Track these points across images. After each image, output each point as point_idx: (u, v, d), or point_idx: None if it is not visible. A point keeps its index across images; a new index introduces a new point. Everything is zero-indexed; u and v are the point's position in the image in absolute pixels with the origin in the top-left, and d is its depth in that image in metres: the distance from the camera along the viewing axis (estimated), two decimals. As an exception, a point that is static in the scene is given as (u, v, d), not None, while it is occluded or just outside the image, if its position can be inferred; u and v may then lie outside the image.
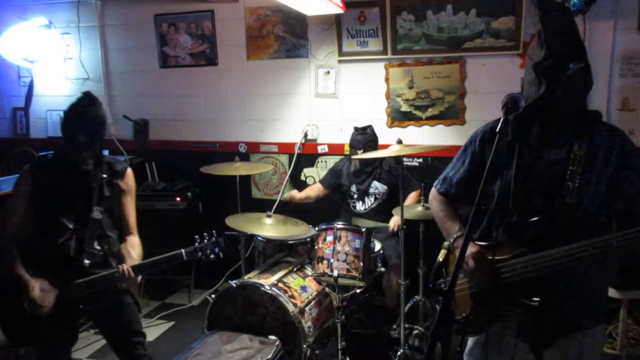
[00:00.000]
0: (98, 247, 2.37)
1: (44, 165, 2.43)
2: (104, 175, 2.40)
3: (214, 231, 2.44)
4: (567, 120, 1.47)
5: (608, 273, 1.73)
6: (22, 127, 5.18)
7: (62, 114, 2.43)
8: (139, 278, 2.36)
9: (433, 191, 2.01)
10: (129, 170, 2.54)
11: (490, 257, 1.66)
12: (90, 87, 4.89)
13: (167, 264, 2.37)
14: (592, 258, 1.50)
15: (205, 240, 2.40)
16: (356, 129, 3.74)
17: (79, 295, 2.29)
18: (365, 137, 3.66)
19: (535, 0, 1.60)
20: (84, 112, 2.33)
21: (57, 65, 4.94)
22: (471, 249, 1.71)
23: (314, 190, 3.94)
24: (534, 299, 1.57)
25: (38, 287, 2.21)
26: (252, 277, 3.08)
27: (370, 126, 3.74)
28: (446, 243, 1.93)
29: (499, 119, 1.74)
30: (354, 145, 3.68)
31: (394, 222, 3.49)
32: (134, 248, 2.44)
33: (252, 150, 4.56)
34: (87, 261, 2.31)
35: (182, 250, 2.35)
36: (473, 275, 1.70)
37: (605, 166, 1.60)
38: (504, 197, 1.69)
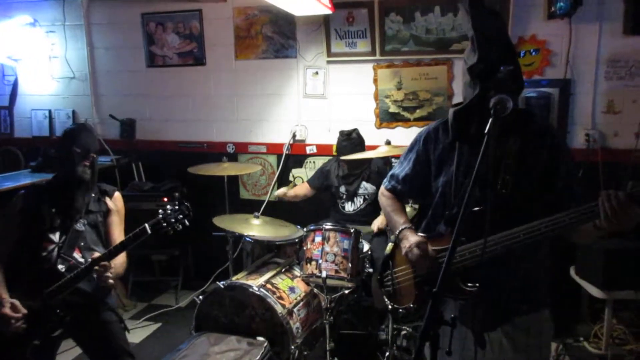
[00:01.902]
0: (81, 260, 2.39)
1: (36, 193, 2.49)
2: (93, 194, 2.49)
3: (177, 196, 2.40)
4: (502, 118, 1.52)
5: (545, 258, 1.82)
6: (7, 126, 5.11)
7: (64, 130, 2.56)
8: (110, 271, 2.26)
9: (382, 188, 2.13)
10: (118, 194, 2.62)
11: (434, 247, 1.79)
12: (76, 86, 4.85)
13: (134, 241, 2.27)
14: (523, 243, 1.59)
15: (168, 210, 2.31)
16: (341, 133, 3.74)
17: (54, 302, 2.27)
18: (351, 142, 3.67)
19: (467, 7, 1.69)
20: (76, 129, 2.49)
21: (42, 64, 4.88)
22: (415, 238, 1.84)
23: (302, 189, 3.94)
24: (471, 284, 1.67)
25: (9, 305, 2.20)
26: (240, 278, 3.06)
27: (355, 130, 3.75)
28: (393, 237, 2.02)
29: (442, 120, 1.89)
30: (341, 151, 3.69)
31: (377, 222, 3.49)
32: (117, 260, 2.38)
33: (240, 150, 4.54)
34: (61, 266, 2.34)
35: (146, 225, 2.25)
36: (418, 263, 1.81)
37: (537, 160, 1.72)
38: (446, 192, 1.82)
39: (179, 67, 4.58)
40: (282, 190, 3.90)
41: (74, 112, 4.90)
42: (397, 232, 1.95)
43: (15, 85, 4.99)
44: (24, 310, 2.22)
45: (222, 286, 2.93)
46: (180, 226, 2.32)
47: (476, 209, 1.64)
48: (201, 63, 4.51)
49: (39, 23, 4.81)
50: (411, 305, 1.90)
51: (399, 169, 2.04)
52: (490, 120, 1.47)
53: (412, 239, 1.85)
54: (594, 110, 3.69)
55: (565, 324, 3.58)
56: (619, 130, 3.66)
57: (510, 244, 1.61)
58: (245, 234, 3.32)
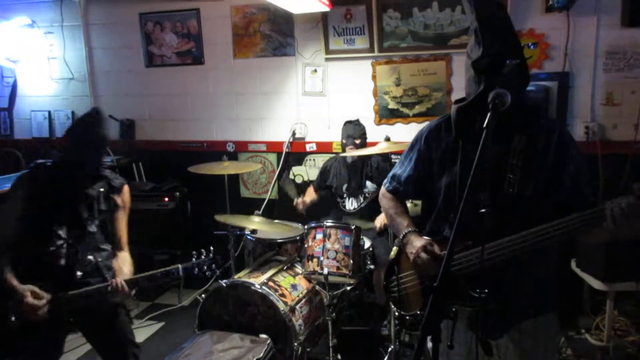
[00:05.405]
0: (91, 258, 2.37)
1: (40, 173, 2.39)
2: (102, 190, 2.41)
3: (211, 247, 2.47)
4: (507, 115, 1.45)
5: (554, 261, 1.78)
6: (6, 127, 5.12)
7: (68, 125, 2.45)
8: (133, 292, 2.35)
9: (382, 189, 2.02)
10: (126, 187, 2.55)
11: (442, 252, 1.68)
12: (75, 87, 4.86)
13: (164, 278, 2.37)
14: (532, 247, 1.53)
15: (203, 257, 2.44)
16: (349, 121, 3.74)
17: (72, 307, 2.26)
18: (361, 128, 3.69)
19: None
20: (88, 128, 2.36)
21: (40, 65, 4.89)
22: (420, 242, 1.75)
23: (310, 194, 3.90)
24: (479, 290, 1.59)
25: (30, 293, 2.17)
26: (242, 277, 3.07)
27: (358, 119, 3.77)
28: (397, 241, 1.94)
29: (444, 116, 1.80)
30: (351, 134, 3.64)
31: (380, 220, 3.49)
32: (125, 264, 2.44)
33: (240, 149, 4.55)
34: (79, 273, 2.32)
35: (179, 266, 2.37)
36: (426, 268, 1.72)
37: (544, 158, 1.64)
38: (451, 193, 1.73)
39: (178, 66, 4.58)
40: (302, 199, 3.77)
41: (73, 112, 4.90)
42: (401, 235, 1.86)
43: (14, 87, 5.00)
44: (47, 295, 2.20)
45: (224, 284, 2.94)
46: (210, 275, 2.45)
47: (482, 210, 1.57)
48: (200, 62, 4.51)
49: (37, 24, 4.81)
50: (418, 312, 1.82)
51: (400, 169, 1.93)
52: (488, 114, 1.42)
53: (417, 243, 1.76)
54: (593, 102, 3.69)
55: (566, 316, 3.59)
56: (618, 122, 3.66)
57: (518, 248, 1.54)
58: (247, 231, 3.34)
